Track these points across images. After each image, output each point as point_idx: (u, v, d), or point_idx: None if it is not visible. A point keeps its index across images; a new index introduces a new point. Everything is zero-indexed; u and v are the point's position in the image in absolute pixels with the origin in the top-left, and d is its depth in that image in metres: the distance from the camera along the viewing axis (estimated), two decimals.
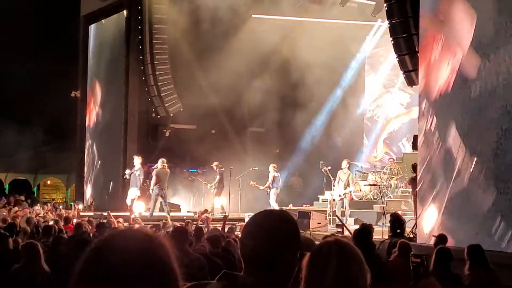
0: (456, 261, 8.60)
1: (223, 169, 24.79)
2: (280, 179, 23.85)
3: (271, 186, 23.21)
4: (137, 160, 22.80)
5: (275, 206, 22.97)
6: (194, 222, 17.49)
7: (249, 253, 2.81)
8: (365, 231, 7.99)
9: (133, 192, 22.73)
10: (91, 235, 11.83)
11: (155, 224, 16.72)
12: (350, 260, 2.92)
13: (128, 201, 22.71)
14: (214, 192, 24.26)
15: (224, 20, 26.87)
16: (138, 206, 23.42)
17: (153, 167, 23.49)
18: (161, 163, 22.36)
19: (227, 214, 22.51)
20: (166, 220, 18.33)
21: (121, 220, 17.39)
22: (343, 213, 21.15)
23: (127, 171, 23.46)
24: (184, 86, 26.66)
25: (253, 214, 3.03)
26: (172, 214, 22.09)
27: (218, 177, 24.23)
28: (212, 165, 24.77)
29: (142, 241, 1.98)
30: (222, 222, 16.70)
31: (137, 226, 15.68)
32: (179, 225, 14.97)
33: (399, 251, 8.63)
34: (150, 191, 22.68)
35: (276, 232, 2.81)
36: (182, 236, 8.84)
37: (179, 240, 8.50)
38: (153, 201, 22.25)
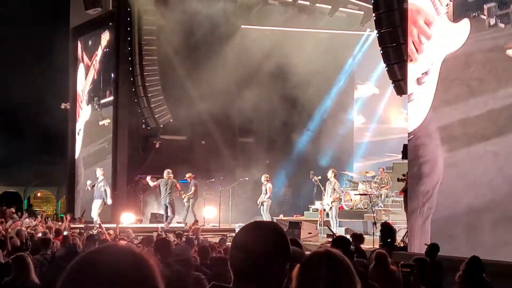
0: (448, 270, 8.61)
1: (214, 180, 24.83)
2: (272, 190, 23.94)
3: (267, 198, 23.31)
4: (99, 172, 23.28)
5: (267, 216, 23.06)
6: (185, 233, 17.48)
7: (239, 264, 2.81)
8: (344, 240, 7.97)
9: (97, 204, 22.91)
10: (81, 247, 11.78)
11: (148, 235, 16.69)
12: (340, 271, 2.92)
13: (94, 214, 22.85)
14: (189, 203, 24.22)
15: (213, 31, 26.92)
16: (127, 218, 23.45)
17: (144, 178, 23.62)
18: (166, 174, 23.06)
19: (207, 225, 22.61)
20: (161, 232, 18.30)
21: (111, 232, 17.36)
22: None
23: (89, 182, 23.80)
24: (174, 97, 26.64)
25: (243, 225, 3.03)
26: (163, 225, 22.11)
27: (193, 188, 24.22)
28: (185, 177, 24.76)
29: (125, 256, 1.97)
30: (213, 233, 16.75)
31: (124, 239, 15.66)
32: (161, 237, 15.00)
33: (375, 261, 8.58)
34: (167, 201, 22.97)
35: (265, 243, 2.79)
36: (164, 248, 8.85)
37: (161, 252, 8.51)
38: (164, 212, 23.17)
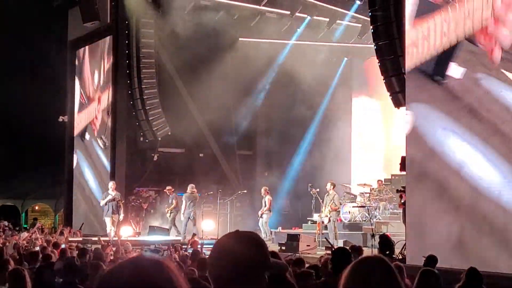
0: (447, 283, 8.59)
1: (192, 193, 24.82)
2: (272, 202, 23.95)
3: (266, 211, 23.38)
4: (112, 186, 23.07)
5: (267, 229, 23.18)
6: (184, 246, 17.48)
7: (223, 274, 2.83)
8: (344, 252, 7.95)
9: (116, 219, 22.73)
10: (78, 260, 11.74)
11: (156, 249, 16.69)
12: (393, 277, 3.03)
13: (113, 231, 22.60)
14: (169, 217, 24.29)
15: (212, 44, 26.97)
16: (125, 231, 23.39)
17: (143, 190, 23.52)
18: (190, 189, 23.27)
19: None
20: (159, 246, 18.29)
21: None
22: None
23: (105, 199, 23.32)
24: (172, 109, 26.65)
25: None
26: (161, 239, 22.10)
27: (174, 201, 24.26)
28: (165, 190, 24.87)
29: (152, 267, 2.12)
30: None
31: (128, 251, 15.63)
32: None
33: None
34: (181, 216, 23.19)
35: (250, 253, 2.84)
36: None
37: None
38: (184, 224, 23.18)
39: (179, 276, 2.14)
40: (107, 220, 22.98)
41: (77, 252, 13.62)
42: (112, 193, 22.97)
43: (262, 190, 23.75)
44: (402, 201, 18.12)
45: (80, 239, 22.69)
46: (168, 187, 24.60)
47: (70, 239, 21.24)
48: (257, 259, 2.84)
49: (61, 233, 22.07)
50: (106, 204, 23.04)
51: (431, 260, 11.31)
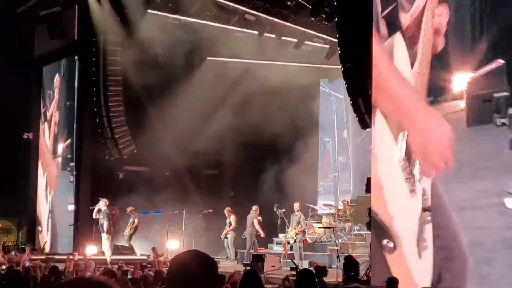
0: None
1: (178, 212, 24.79)
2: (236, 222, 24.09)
3: (231, 231, 23.57)
4: (102, 204, 23.34)
5: (232, 249, 23.27)
6: (149, 265, 17.36)
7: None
8: (308, 273, 7.95)
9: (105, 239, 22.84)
10: (38, 279, 11.61)
11: (110, 268, 16.51)
12: None
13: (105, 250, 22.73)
14: (126, 234, 24.46)
15: (179, 63, 26.90)
16: (90, 249, 23.21)
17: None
18: (254, 210, 23.70)
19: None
20: (122, 263, 18.13)
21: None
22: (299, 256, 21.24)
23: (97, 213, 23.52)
24: (138, 128, 26.52)
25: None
26: (126, 257, 21.92)
27: (136, 220, 24.49)
28: (127, 212, 25.08)
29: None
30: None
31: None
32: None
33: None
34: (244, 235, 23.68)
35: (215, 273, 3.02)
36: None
37: None
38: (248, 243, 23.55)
39: None
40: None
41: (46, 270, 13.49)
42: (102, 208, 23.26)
43: (226, 211, 23.86)
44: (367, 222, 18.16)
45: (43, 257, 22.41)
46: (129, 208, 24.80)
47: (33, 257, 20.97)
48: (209, 277, 2.98)
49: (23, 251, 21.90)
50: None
51: (392, 282, 11.35)
